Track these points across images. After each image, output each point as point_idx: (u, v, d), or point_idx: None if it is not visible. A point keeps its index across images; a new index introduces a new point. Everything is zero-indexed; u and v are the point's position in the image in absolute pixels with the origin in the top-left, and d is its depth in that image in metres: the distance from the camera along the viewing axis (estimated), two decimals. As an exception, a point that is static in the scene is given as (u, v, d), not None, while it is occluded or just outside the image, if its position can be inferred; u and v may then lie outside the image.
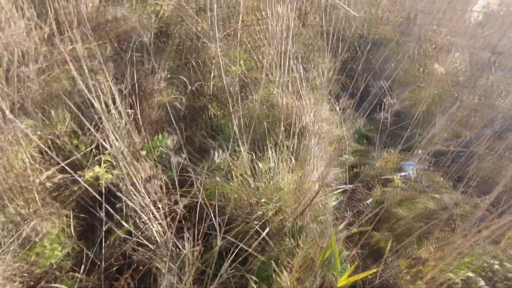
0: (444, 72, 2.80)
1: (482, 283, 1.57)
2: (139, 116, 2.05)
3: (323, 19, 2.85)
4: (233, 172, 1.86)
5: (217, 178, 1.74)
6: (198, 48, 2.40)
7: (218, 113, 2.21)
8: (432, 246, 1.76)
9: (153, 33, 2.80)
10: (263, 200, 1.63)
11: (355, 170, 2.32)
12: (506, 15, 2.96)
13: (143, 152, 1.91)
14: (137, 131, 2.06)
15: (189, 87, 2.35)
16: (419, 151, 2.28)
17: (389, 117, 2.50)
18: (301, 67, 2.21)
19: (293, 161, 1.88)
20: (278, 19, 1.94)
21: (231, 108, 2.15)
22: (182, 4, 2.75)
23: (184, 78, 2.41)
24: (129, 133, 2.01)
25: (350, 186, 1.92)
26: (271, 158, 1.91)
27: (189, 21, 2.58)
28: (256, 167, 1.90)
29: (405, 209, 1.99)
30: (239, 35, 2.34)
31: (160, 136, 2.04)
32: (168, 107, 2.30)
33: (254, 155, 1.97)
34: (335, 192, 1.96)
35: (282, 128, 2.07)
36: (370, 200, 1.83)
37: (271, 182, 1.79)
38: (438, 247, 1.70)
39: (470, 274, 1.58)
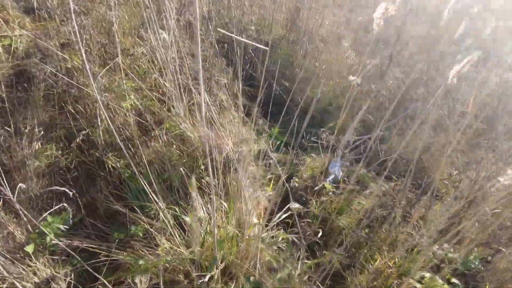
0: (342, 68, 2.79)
1: (439, 280, 1.52)
2: (13, 197, 1.52)
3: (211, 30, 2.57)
4: (156, 239, 1.49)
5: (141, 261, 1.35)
6: (74, 90, 1.90)
7: (118, 165, 1.78)
8: (383, 252, 1.67)
9: (8, 78, 2.18)
10: (208, 276, 1.30)
11: (285, 186, 2.13)
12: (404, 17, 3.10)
13: (29, 248, 1.40)
14: (14, 218, 1.52)
15: (75, 140, 1.85)
16: (340, 150, 2.20)
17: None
18: (204, 90, 1.90)
19: (224, 204, 1.59)
20: (165, 46, 1.59)
21: (135, 156, 1.75)
22: (41, 38, 2.17)
23: (64, 131, 1.90)
24: (2, 226, 1.47)
25: (289, 210, 1.71)
26: (198, 207, 1.58)
27: (54, 58, 2.04)
28: (183, 223, 1.56)
29: (345, 216, 1.87)
30: (122, 66, 1.91)
31: (49, 216, 1.54)
32: (52, 172, 1.78)
33: (177, 208, 1.61)
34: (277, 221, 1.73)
35: (203, 167, 1.75)
36: (319, 235, 1.65)
37: (206, 237, 1.48)
38: (390, 256, 1.61)
39: (427, 274, 1.52)
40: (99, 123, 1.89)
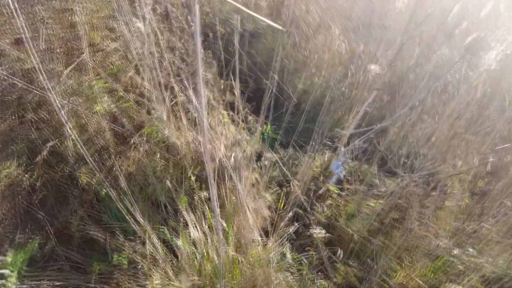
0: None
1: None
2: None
3: (190, 19, 2.29)
4: (144, 268, 1.23)
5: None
6: (33, 96, 1.59)
7: (93, 181, 1.49)
8: (403, 261, 1.48)
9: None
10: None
11: (285, 190, 1.90)
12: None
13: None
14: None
15: (40, 153, 1.56)
16: (342, 148, 1.98)
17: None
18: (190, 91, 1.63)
19: (223, 222, 1.34)
20: (141, 38, 1.31)
21: (112, 168, 1.47)
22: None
23: (26, 143, 1.60)
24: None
25: (296, 225, 1.48)
26: (191, 228, 1.33)
27: (8, 58, 1.71)
28: (175, 247, 1.30)
29: (355, 222, 1.66)
30: (91, 64, 1.61)
31: (10, 250, 1.25)
32: (14, 194, 1.48)
33: (166, 229, 1.36)
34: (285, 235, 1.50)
35: (193, 178, 1.49)
36: (341, 253, 1.42)
37: (203, 264, 1.23)
38: (412, 266, 1.41)
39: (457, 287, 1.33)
40: (68, 132, 1.59)
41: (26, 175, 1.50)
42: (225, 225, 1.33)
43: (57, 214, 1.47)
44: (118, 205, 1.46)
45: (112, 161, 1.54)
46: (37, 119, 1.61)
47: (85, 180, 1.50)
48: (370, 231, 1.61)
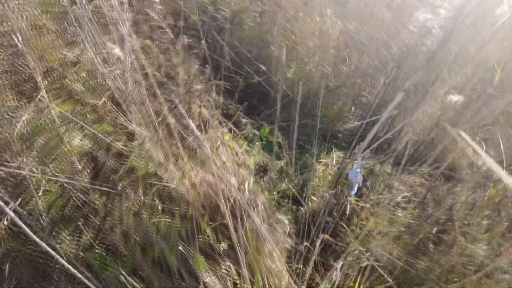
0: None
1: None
2: None
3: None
4: None
5: None
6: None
7: (80, 251, 1.14)
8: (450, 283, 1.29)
9: None
10: None
11: (300, 209, 1.63)
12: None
13: None
14: None
15: (1, 221, 1.16)
16: (358, 151, 1.72)
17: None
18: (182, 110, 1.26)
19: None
20: (122, 68, 0.92)
21: (101, 228, 1.15)
22: None
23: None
24: None
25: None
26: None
27: None
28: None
29: (392, 243, 1.44)
30: (47, 97, 1.19)
31: None
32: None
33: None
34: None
35: (208, 230, 1.18)
36: None
37: None
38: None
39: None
40: (33, 188, 1.20)
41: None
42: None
43: (40, 298, 1.12)
44: (119, 275, 1.14)
45: (99, 219, 1.18)
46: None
47: (68, 250, 1.14)
48: (406, 250, 1.41)
